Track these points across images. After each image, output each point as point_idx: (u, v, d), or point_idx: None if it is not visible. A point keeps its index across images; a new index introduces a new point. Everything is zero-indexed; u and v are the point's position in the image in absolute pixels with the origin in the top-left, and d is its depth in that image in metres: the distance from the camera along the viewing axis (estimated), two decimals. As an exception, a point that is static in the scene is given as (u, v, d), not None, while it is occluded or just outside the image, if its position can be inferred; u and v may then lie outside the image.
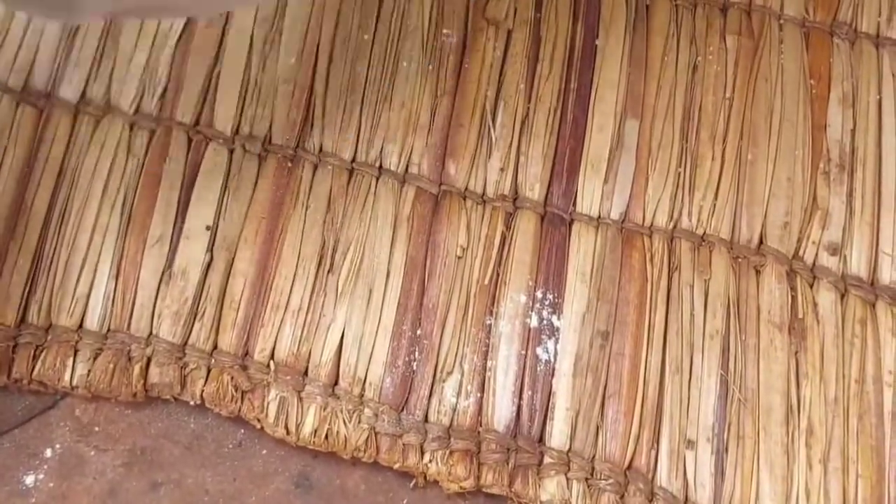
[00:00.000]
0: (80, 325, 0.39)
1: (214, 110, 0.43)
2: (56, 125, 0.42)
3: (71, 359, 0.38)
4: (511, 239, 0.41)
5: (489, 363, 0.39)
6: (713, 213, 0.42)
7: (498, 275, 0.41)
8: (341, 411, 0.38)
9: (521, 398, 0.39)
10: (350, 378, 0.39)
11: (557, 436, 0.38)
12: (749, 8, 0.46)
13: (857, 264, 0.42)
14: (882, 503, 0.38)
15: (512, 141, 0.43)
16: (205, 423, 0.40)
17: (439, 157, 0.43)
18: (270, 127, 0.43)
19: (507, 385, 0.39)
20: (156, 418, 0.39)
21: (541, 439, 0.38)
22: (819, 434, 0.38)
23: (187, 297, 0.39)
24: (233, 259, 0.40)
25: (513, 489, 0.38)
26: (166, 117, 0.42)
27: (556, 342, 0.40)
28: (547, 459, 0.38)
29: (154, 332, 0.39)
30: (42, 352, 0.39)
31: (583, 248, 0.41)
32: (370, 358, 0.39)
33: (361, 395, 0.39)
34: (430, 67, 0.44)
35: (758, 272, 0.41)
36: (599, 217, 0.42)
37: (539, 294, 0.40)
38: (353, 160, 0.42)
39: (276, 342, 0.39)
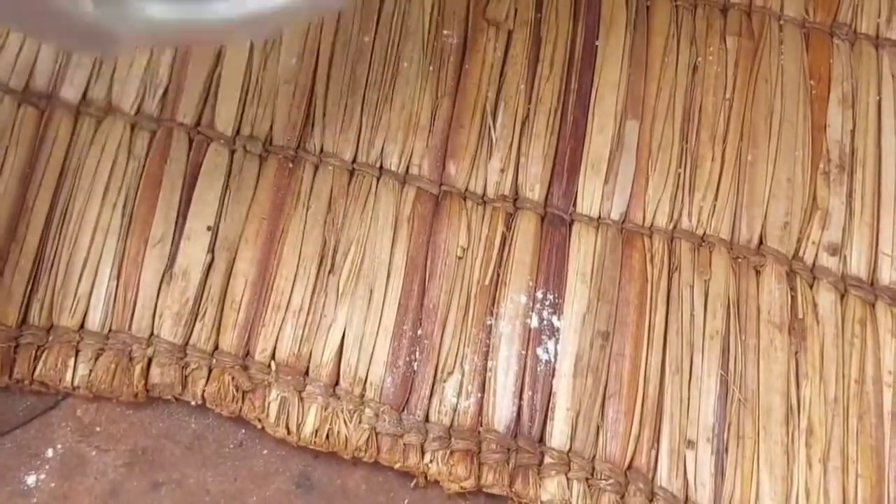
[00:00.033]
0: (82, 326, 0.39)
1: (215, 111, 0.43)
2: (57, 126, 0.42)
3: (72, 359, 0.39)
4: (511, 239, 0.41)
5: (490, 363, 0.39)
6: (713, 213, 0.42)
7: (498, 275, 0.41)
8: (342, 411, 0.38)
9: (521, 398, 0.39)
10: (351, 378, 0.39)
11: (558, 436, 0.38)
12: (749, 9, 0.46)
13: (857, 265, 0.42)
14: (882, 503, 0.38)
15: (512, 142, 0.43)
16: (206, 424, 0.40)
17: (440, 158, 0.43)
18: (271, 128, 0.43)
19: (507, 385, 0.39)
20: (157, 418, 0.39)
21: (541, 439, 0.39)
22: (819, 434, 0.38)
23: (188, 297, 0.40)
24: (234, 259, 0.40)
25: (513, 489, 0.38)
26: (167, 118, 0.42)
27: (557, 342, 0.40)
28: (547, 459, 0.38)
29: (155, 332, 0.39)
30: (43, 352, 0.39)
31: (583, 249, 0.42)
32: (371, 358, 0.39)
33: (362, 396, 0.39)
34: (431, 68, 0.44)
35: (758, 272, 0.41)
36: (600, 217, 0.42)
37: (539, 294, 0.41)
38: (354, 161, 0.42)
39: (277, 342, 0.39)
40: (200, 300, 0.40)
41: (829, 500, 0.37)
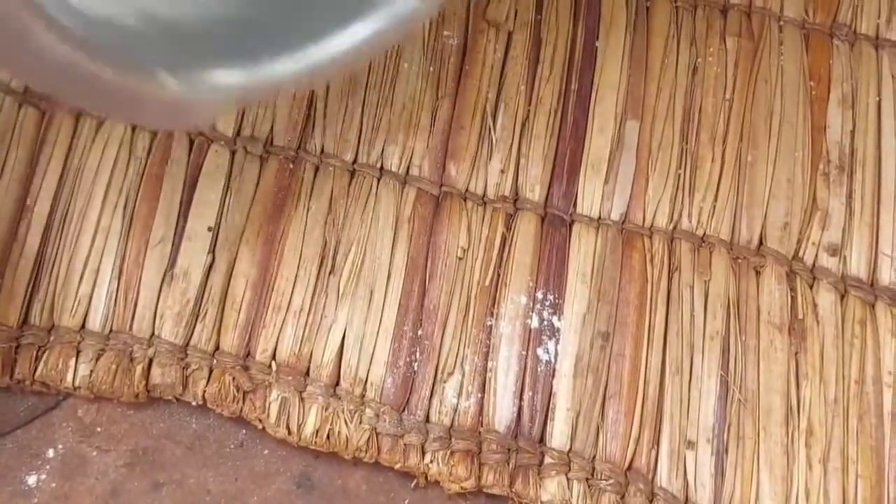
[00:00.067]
0: (83, 326, 0.39)
1: (216, 112, 0.43)
2: (58, 126, 0.42)
3: (73, 359, 0.39)
4: (511, 240, 0.42)
5: (490, 364, 0.39)
6: (713, 214, 0.42)
7: (498, 276, 0.41)
8: (343, 412, 0.38)
9: (521, 399, 0.39)
10: (351, 378, 0.39)
11: (558, 436, 0.39)
12: (749, 10, 0.46)
13: (857, 265, 0.42)
14: (882, 503, 0.38)
15: (512, 142, 0.43)
16: (206, 424, 0.40)
17: (440, 159, 0.43)
18: (272, 128, 0.43)
19: (507, 386, 0.39)
20: (158, 419, 0.40)
21: (541, 440, 0.39)
22: (819, 434, 0.38)
23: (189, 297, 0.40)
24: (234, 260, 0.40)
25: (513, 489, 0.38)
26: (168, 119, 0.42)
27: (557, 343, 0.40)
28: (547, 460, 0.38)
29: (156, 332, 0.39)
30: (44, 352, 0.39)
31: (583, 249, 0.42)
32: (371, 358, 0.39)
33: (363, 396, 0.39)
34: (431, 69, 0.44)
35: (758, 273, 0.41)
36: (600, 218, 0.42)
37: (539, 295, 0.41)
38: (355, 161, 0.43)
39: (277, 343, 0.39)
40: (201, 301, 0.40)
41: (829, 500, 0.37)
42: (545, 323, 0.40)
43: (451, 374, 0.39)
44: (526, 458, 0.38)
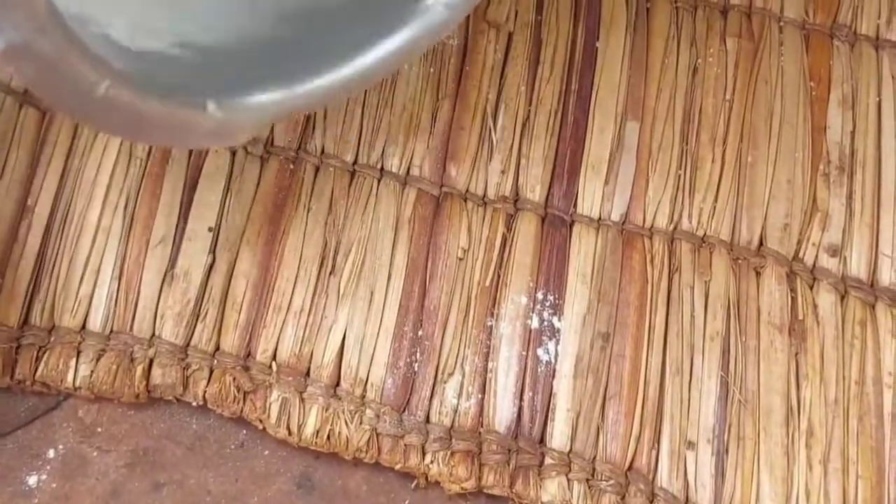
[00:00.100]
0: (83, 327, 0.39)
1: (217, 112, 0.43)
2: (59, 127, 0.42)
3: (74, 360, 0.39)
4: (512, 241, 0.42)
5: (490, 364, 0.39)
6: (713, 214, 0.42)
7: (499, 276, 0.41)
8: (343, 412, 0.38)
9: (521, 399, 0.39)
10: (352, 379, 0.39)
11: (558, 437, 0.39)
12: (749, 10, 0.46)
13: (857, 266, 0.42)
14: (882, 504, 0.38)
15: (513, 143, 0.43)
16: (207, 424, 0.40)
17: (440, 160, 0.43)
18: (272, 129, 0.43)
19: (507, 386, 0.39)
20: (158, 419, 0.40)
21: (542, 440, 0.39)
22: (819, 435, 0.38)
23: (190, 298, 0.40)
24: (235, 260, 0.40)
25: (514, 490, 0.38)
26: (169, 119, 0.42)
27: (557, 343, 0.40)
28: (548, 460, 0.38)
29: (157, 333, 0.39)
30: (45, 353, 0.39)
31: (583, 250, 0.42)
32: (372, 359, 0.39)
33: (363, 396, 0.39)
34: (431, 70, 0.44)
35: (758, 274, 0.41)
36: (600, 219, 0.42)
37: (540, 295, 0.41)
38: (355, 162, 0.43)
39: (278, 343, 0.39)
40: (202, 301, 0.40)
41: (829, 501, 0.37)
42: (545, 323, 0.40)
43: (451, 374, 0.39)
44: (526, 458, 0.38)
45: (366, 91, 0.44)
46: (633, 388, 0.39)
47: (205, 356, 0.39)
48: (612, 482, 0.38)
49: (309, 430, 0.38)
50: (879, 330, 0.40)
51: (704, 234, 0.42)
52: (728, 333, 0.40)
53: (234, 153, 0.42)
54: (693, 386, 0.39)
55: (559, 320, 0.40)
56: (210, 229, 0.41)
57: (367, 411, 0.38)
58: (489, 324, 0.40)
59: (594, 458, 0.38)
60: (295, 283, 0.40)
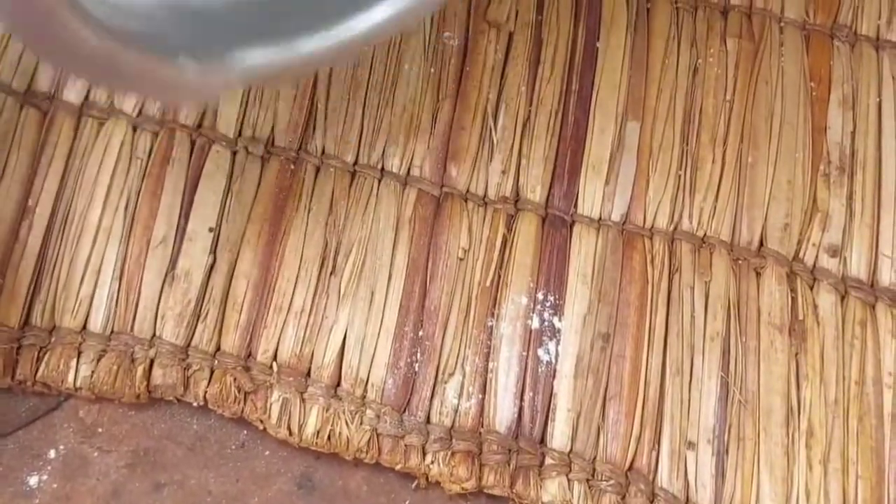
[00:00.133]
0: (84, 327, 0.39)
1: (217, 112, 0.43)
2: (60, 128, 0.42)
3: (74, 360, 0.39)
4: (512, 241, 0.42)
5: (491, 364, 0.39)
6: (714, 215, 0.42)
7: (499, 276, 0.41)
8: (343, 412, 0.38)
9: (522, 399, 0.39)
10: (352, 379, 0.39)
11: (559, 437, 0.39)
12: (749, 11, 0.46)
13: (857, 266, 0.42)
14: (882, 504, 0.38)
15: (513, 143, 0.43)
16: (208, 425, 0.40)
17: (441, 160, 0.43)
18: (273, 129, 0.43)
19: (508, 386, 0.39)
20: (159, 419, 0.40)
21: (542, 440, 0.39)
22: (819, 435, 0.38)
23: (190, 298, 0.40)
24: (236, 261, 0.41)
25: (514, 490, 0.38)
26: (169, 120, 0.42)
27: (558, 344, 0.40)
28: (548, 460, 0.38)
29: (157, 333, 0.39)
30: (46, 353, 0.39)
31: (584, 250, 0.42)
32: (372, 359, 0.39)
33: (363, 397, 0.39)
34: (432, 70, 0.44)
35: (758, 274, 0.41)
36: (600, 219, 0.42)
37: (540, 296, 0.41)
38: (356, 162, 0.43)
39: (278, 343, 0.39)
40: (202, 301, 0.40)
41: (829, 501, 0.38)
42: (546, 324, 0.40)
43: (451, 374, 0.39)
44: (527, 458, 0.38)
45: (366, 91, 0.44)
46: (633, 389, 0.39)
47: (205, 356, 0.39)
48: (612, 482, 0.38)
49: (309, 430, 0.38)
50: (879, 330, 0.40)
51: (705, 235, 0.42)
52: (728, 334, 0.40)
53: (234, 153, 0.42)
54: (693, 386, 0.39)
55: (560, 320, 0.40)
56: (211, 230, 0.41)
57: (368, 412, 0.39)
58: (490, 324, 0.40)
59: (594, 458, 0.38)
60: (296, 283, 0.40)
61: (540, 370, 0.39)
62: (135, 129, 0.42)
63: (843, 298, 0.41)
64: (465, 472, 0.38)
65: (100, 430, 0.39)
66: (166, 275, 0.40)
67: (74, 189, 0.41)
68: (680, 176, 0.43)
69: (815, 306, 0.41)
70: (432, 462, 0.38)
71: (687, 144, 0.44)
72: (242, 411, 0.38)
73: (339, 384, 0.39)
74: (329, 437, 0.38)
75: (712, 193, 0.43)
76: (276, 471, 0.39)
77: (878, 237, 0.42)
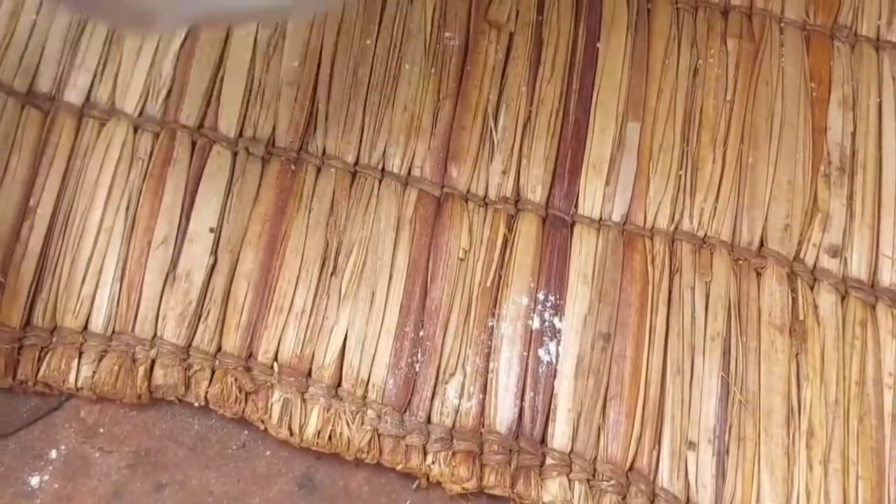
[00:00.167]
0: (85, 327, 0.39)
1: (218, 113, 0.43)
2: (61, 128, 0.42)
3: (76, 360, 0.39)
4: (513, 241, 0.42)
5: (491, 365, 0.40)
6: (714, 215, 0.42)
7: (500, 277, 0.41)
8: (344, 413, 0.38)
9: (523, 399, 0.39)
10: (353, 380, 0.39)
11: (559, 437, 0.39)
12: (750, 11, 0.46)
13: (858, 266, 0.42)
14: (882, 504, 0.38)
15: (514, 143, 0.43)
16: (209, 425, 0.40)
17: (441, 160, 0.43)
18: (274, 130, 0.43)
19: (509, 386, 0.39)
20: (160, 420, 0.40)
21: (543, 440, 0.39)
22: (819, 436, 0.39)
23: (191, 299, 0.40)
24: (237, 261, 0.41)
25: (515, 490, 0.38)
26: (170, 120, 0.42)
27: (558, 344, 0.40)
28: (549, 460, 0.38)
29: (158, 333, 0.39)
30: (47, 353, 0.39)
31: (584, 250, 0.42)
32: (373, 360, 0.39)
33: (364, 397, 0.39)
34: (433, 71, 0.44)
35: (759, 274, 0.42)
36: (601, 219, 0.42)
37: (541, 296, 0.41)
38: (356, 163, 0.43)
39: (279, 344, 0.39)
40: (203, 302, 0.40)
41: (829, 501, 0.38)
42: (546, 324, 0.40)
43: (452, 374, 0.39)
44: (527, 458, 0.38)
45: (366, 91, 0.44)
46: (633, 389, 0.39)
47: (206, 357, 0.39)
48: (613, 482, 0.38)
49: (310, 430, 0.38)
50: (880, 330, 0.40)
51: (705, 235, 0.42)
52: (729, 334, 0.40)
53: (235, 154, 0.42)
54: (694, 386, 0.39)
55: (560, 321, 0.40)
56: (212, 230, 0.41)
57: (369, 412, 0.39)
58: (490, 324, 0.40)
59: (595, 458, 0.38)
60: (296, 283, 0.40)
61: (541, 370, 0.39)
62: (136, 130, 0.42)
63: (843, 299, 0.41)
64: (465, 472, 0.38)
65: (101, 430, 0.39)
66: (167, 275, 0.40)
67: (76, 189, 0.41)
68: (680, 176, 0.43)
69: (816, 306, 0.41)
70: (433, 462, 0.38)
71: (687, 145, 0.44)
72: (243, 411, 0.39)
73: (339, 384, 0.39)
74: (330, 438, 0.38)
75: (713, 194, 0.43)
76: (277, 471, 0.39)
77: (879, 237, 0.42)
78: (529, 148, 0.43)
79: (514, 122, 0.44)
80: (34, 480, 0.38)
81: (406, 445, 0.38)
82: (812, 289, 0.41)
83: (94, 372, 0.39)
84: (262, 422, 0.39)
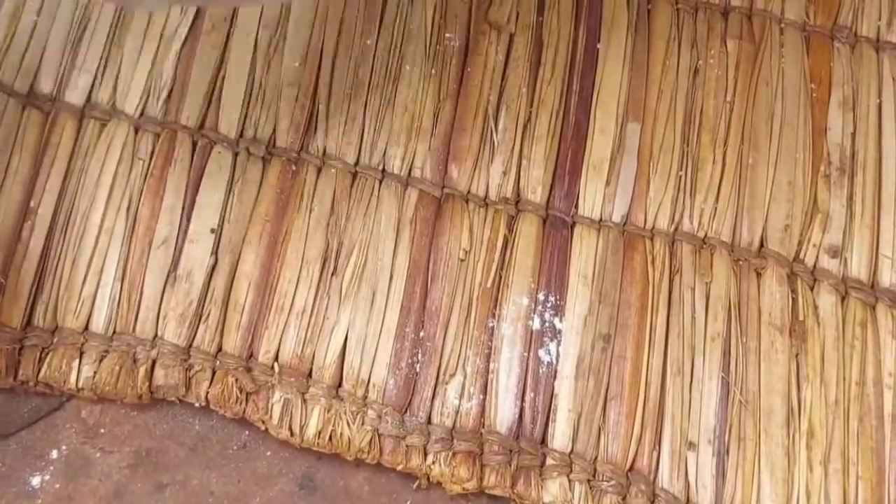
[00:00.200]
0: (86, 328, 0.39)
1: (219, 113, 0.43)
2: (62, 128, 0.42)
3: (77, 361, 0.39)
4: (513, 242, 0.42)
5: (492, 365, 0.40)
6: (714, 216, 0.42)
7: (500, 277, 0.41)
8: (345, 413, 0.38)
9: (523, 400, 0.39)
10: (353, 380, 0.39)
11: (559, 437, 0.39)
12: (750, 12, 0.46)
13: (858, 267, 0.42)
14: (882, 505, 0.38)
15: (514, 144, 0.43)
16: (209, 425, 0.40)
17: (442, 161, 0.43)
18: (274, 130, 0.43)
19: (509, 387, 0.39)
20: (161, 420, 0.40)
21: (543, 441, 0.39)
22: (819, 436, 0.39)
23: (192, 299, 0.40)
24: (237, 262, 0.41)
25: (515, 490, 0.38)
26: (171, 121, 0.43)
27: (559, 344, 0.40)
28: (549, 461, 0.38)
29: (159, 334, 0.39)
30: (48, 354, 0.39)
31: (584, 251, 0.42)
32: (373, 360, 0.39)
33: (365, 397, 0.39)
34: (433, 71, 0.44)
35: (759, 275, 0.42)
36: (601, 220, 0.42)
37: (541, 296, 0.41)
38: (357, 163, 0.43)
39: (280, 344, 0.39)
40: (204, 302, 0.40)
41: (829, 502, 0.38)
42: (547, 324, 0.40)
43: (452, 375, 0.39)
44: (528, 459, 0.38)
45: (367, 92, 0.44)
46: (634, 389, 0.39)
47: (207, 357, 0.39)
48: (613, 483, 0.38)
49: (311, 430, 0.38)
50: (880, 331, 0.40)
51: (705, 236, 0.42)
52: (729, 334, 0.40)
53: (236, 154, 0.42)
54: (694, 387, 0.39)
55: (560, 321, 0.40)
56: (212, 230, 0.41)
57: (369, 412, 0.39)
58: (490, 325, 0.40)
59: (595, 458, 0.38)
60: (297, 284, 0.40)
61: (541, 371, 0.40)
62: (136, 131, 0.42)
63: (843, 299, 0.41)
64: (466, 472, 0.38)
65: (102, 430, 0.39)
66: (168, 275, 0.40)
67: (76, 190, 0.41)
68: (681, 177, 0.43)
69: (816, 307, 0.41)
70: (434, 462, 0.38)
71: (687, 145, 0.44)
72: (244, 412, 0.39)
73: (340, 385, 0.39)
74: (330, 438, 0.38)
75: (713, 194, 0.43)
76: (277, 471, 0.39)
77: (879, 238, 0.42)
78: (530, 149, 0.43)
79: (515, 122, 0.44)
80: (35, 480, 0.38)
81: (406, 446, 0.38)
82: (812, 289, 0.41)
83: (94, 372, 0.39)
84: (263, 422, 0.39)
